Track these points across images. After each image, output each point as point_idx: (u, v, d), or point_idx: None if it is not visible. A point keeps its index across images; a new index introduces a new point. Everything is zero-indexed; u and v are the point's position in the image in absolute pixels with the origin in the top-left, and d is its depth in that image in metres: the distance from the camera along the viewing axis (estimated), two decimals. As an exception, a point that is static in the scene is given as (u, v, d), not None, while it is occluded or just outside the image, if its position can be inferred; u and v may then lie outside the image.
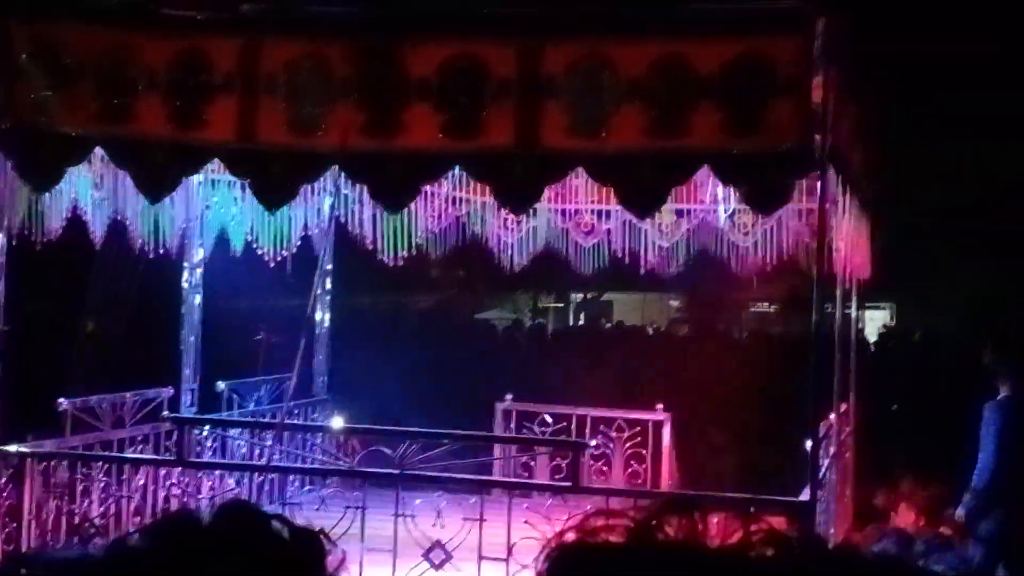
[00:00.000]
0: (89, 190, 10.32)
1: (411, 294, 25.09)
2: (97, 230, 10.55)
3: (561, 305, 32.33)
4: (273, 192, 9.43)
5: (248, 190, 10.05)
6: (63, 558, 1.44)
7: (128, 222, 10.69)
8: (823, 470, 9.97)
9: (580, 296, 31.77)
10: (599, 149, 8.91)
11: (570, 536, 0.97)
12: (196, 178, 11.01)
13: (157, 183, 9.49)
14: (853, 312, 13.44)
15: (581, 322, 30.53)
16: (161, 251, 11.20)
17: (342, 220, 12.00)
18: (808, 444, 9.08)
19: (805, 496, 8.86)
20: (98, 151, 9.69)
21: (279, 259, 11.78)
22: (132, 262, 12.10)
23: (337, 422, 11.21)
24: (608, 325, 26.03)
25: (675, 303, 29.30)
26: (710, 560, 0.97)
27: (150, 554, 1.36)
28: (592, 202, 13.08)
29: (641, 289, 26.68)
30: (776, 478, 10.43)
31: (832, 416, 11.65)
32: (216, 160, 9.73)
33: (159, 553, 1.36)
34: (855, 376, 13.16)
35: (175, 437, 10.34)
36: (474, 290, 26.87)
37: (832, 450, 11.34)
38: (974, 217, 23.11)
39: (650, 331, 24.31)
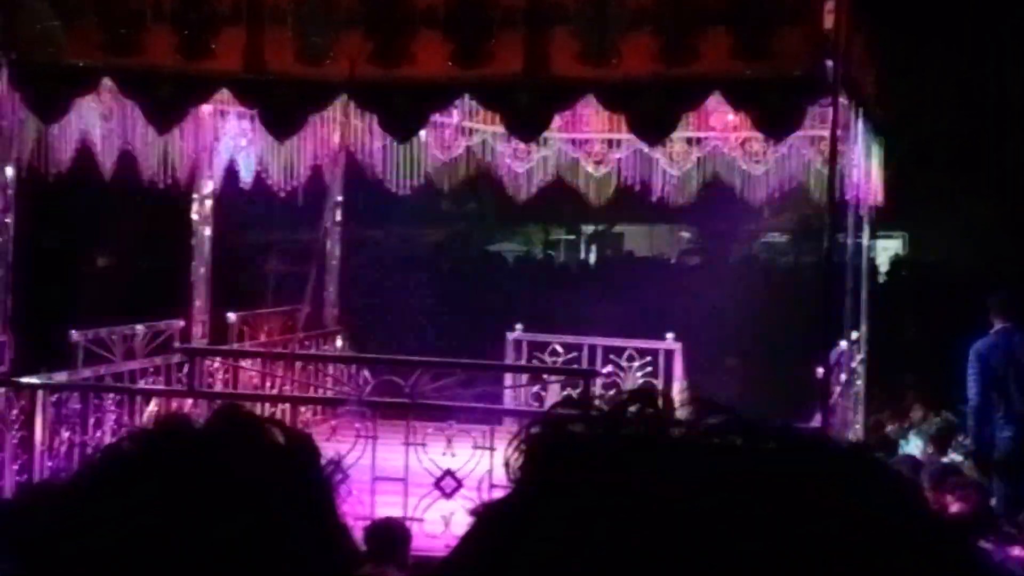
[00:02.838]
0: (97, 121, 10.28)
1: (422, 226, 25.06)
2: (106, 162, 10.52)
3: (572, 237, 32.30)
4: (281, 122, 9.40)
5: (256, 120, 10.03)
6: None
7: (137, 154, 10.66)
8: (834, 396, 9.99)
9: (591, 228, 31.72)
10: (608, 76, 8.87)
11: (536, 429, 0.93)
12: (205, 108, 10.96)
13: (165, 114, 9.47)
14: (865, 240, 13.40)
15: (592, 254, 30.51)
16: (170, 183, 11.16)
17: (351, 150, 11.96)
18: (819, 371, 9.09)
19: (816, 422, 8.88)
20: (106, 82, 9.65)
21: (289, 190, 11.74)
22: (142, 194, 12.07)
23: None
24: (618, 256, 26.05)
25: (686, 234, 29.28)
26: (677, 446, 0.95)
27: (143, 459, 1.36)
28: (603, 131, 13.01)
29: (652, 220, 26.65)
30: (788, 405, 10.44)
31: (843, 343, 11.64)
32: (224, 90, 9.69)
33: (152, 458, 1.35)
34: (866, 304, 13.14)
35: (186, 368, 10.38)
36: (484, 222, 26.84)
37: (843, 377, 11.35)
38: (988, 145, 22.99)
39: (661, 261, 24.30)
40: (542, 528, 0.95)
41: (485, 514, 1.03)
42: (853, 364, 12.40)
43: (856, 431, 12.62)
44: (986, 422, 11.20)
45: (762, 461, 0.95)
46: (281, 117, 9.32)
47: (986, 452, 11.18)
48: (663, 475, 0.94)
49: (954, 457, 12.05)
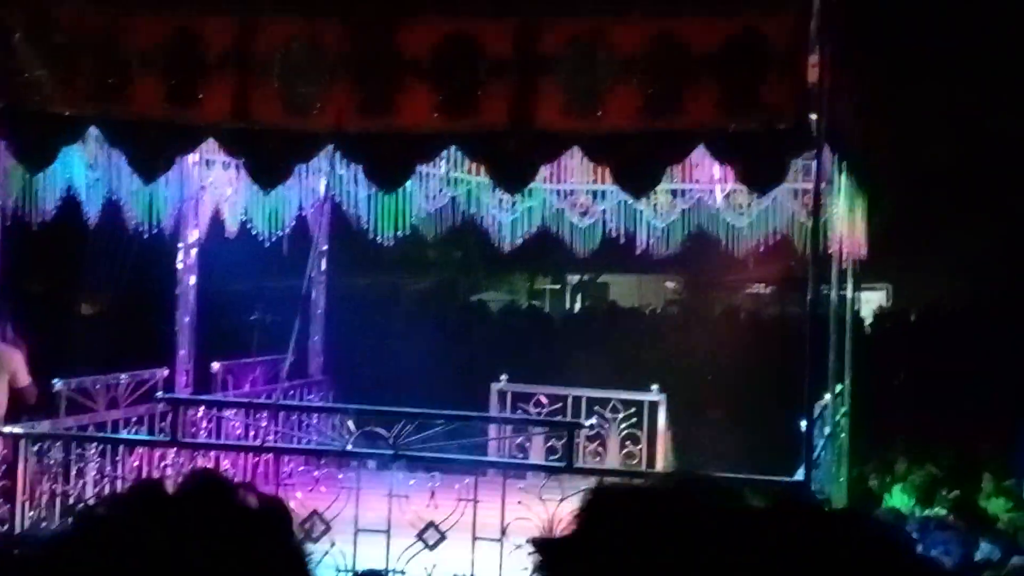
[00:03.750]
0: (83, 170, 10.29)
1: (407, 275, 25.06)
2: (91, 210, 10.51)
3: (557, 287, 32.31)
4: (267, 172, 9.41)
5: (242, 170, 10.03)
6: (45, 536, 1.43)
7: (122, 202, 10.66)
8: (818, 450, 9.97)
9: (576, 278, 31.74)
10: (594, 128, 8.89)
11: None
12: (191, 158, 10.98)
13: (151, 163, 9.47)
14: (849, 293, 13.42)
15: (577, 304, 30.52)
16: (155, 231, 11.16)
17: (337, 200, 11.97)
18: (803, 424, 9.08)
19: (799, 476, 8.86)
20: (92, 131, 9.66)
21: (274, 239, 11.75)
22: (127, 242, 12.06)
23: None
24: (603, 306, 26.05)
25: (671, 284, 29.32)
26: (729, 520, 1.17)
27: (116, 524, 1.35)
28: (588, 182, 13.05)
29: (637, 270, 26.66)
30: (771, 459, 10.43)
31: (827, 397, 11.64)
32: (210, 140, 9.70)
33: (125, 523, 1.35)
34: (851, 357, 13.15)
35: (170, 418, 10.34)
36: (470, 271, 26.86)
37: (827, 430, 11.34)
38: (973, 195, 23.08)
39: (646, 312, 24.31)
40: (588, 555, 1.21)
41: (543, 544, 1.28)
42: (837, 417, 12.39)
43: (840, 484, 12.61)
44: None
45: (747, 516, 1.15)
46: (267, 167, 9.33)
47: None
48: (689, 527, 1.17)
49: (938, 511, 12.03)
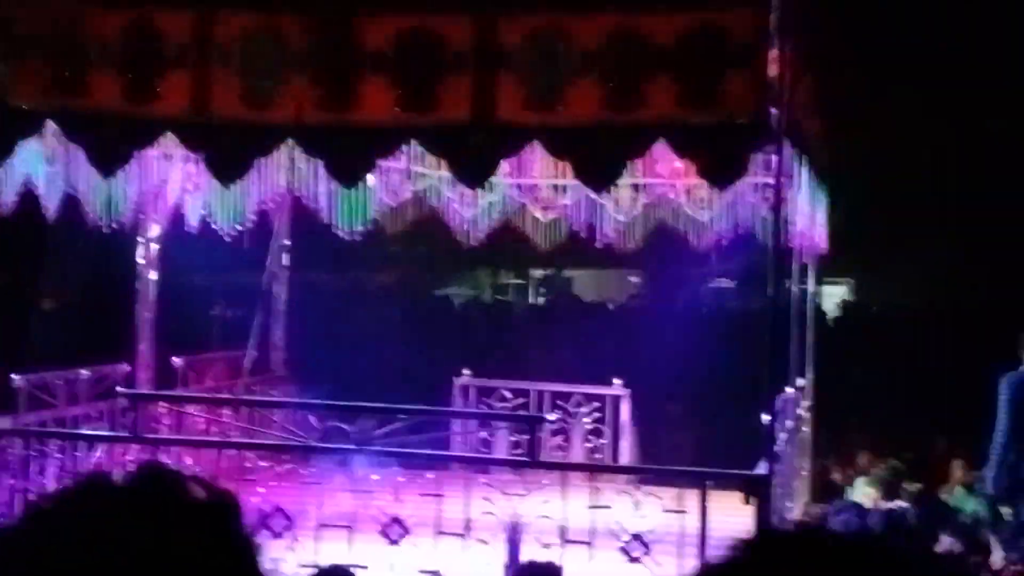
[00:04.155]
0: (41, 164, 10.20)
1: (370, 270, 24.98)
2: (50, 205, 10.44)
3: (521, 282, 32.27)
4: (227, 166, 9.38)
5: (202, 164, 9.98)
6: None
7: (81, 196, 10.58)
8: (780, 444, 10.00)
9: (540, 273, 31.74)
10: (555, 122, 8.91)
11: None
12: (150, 152, 10.90)
13: (110, 157, 9.43)
14: (810, 287, 13.47)
15: (540, 299, 30.52)
16: (115, 226, 11.09)
17: (297, 194, 11.93)
18: (765, 418, 9.11)
19: (761, 470, 8.89)
20: (50, 125, 9.59)
21: (235, 234, 11.69)
22: (86, 237, 11.99)
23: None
24: (566, 301, 26.05)
25: (634, 279, 29.34)
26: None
27: (62, 517, 1.34)
28: (550, 177, 13.04)
29: (600, 265, 26.68)
30: (733, 452, 10.46)
31: (789, 390, 11.68)
32: (169, 134, 9.65)
33: (71, 515, 1.33)
34: (813, 351, 13.20)
35: (131, 413, 10.28)
36: (433, 266, 26.82)
37: (789, 424, 11.37)
38: (934, 191, 23.19)
39: (610, 307, 24.33)
40: None
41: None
42: (799, 411, 12.44)
43: (802, 478, 12.66)
44: (1008, 453, 11.31)
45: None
46: (227, 161, 9.30)
47: (1001, 484, 11.29)
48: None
49: (901, 504, 12.08)
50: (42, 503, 1.38)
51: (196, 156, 10.23)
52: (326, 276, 20.83)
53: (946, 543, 9.99)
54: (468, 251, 14.72)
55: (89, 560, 1.29)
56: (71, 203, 10.64)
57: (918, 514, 11.06)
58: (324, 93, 8.94)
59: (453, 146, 9.16)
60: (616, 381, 13.07)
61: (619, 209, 12.94)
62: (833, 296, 24.76)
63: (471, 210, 13.28)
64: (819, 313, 16.74)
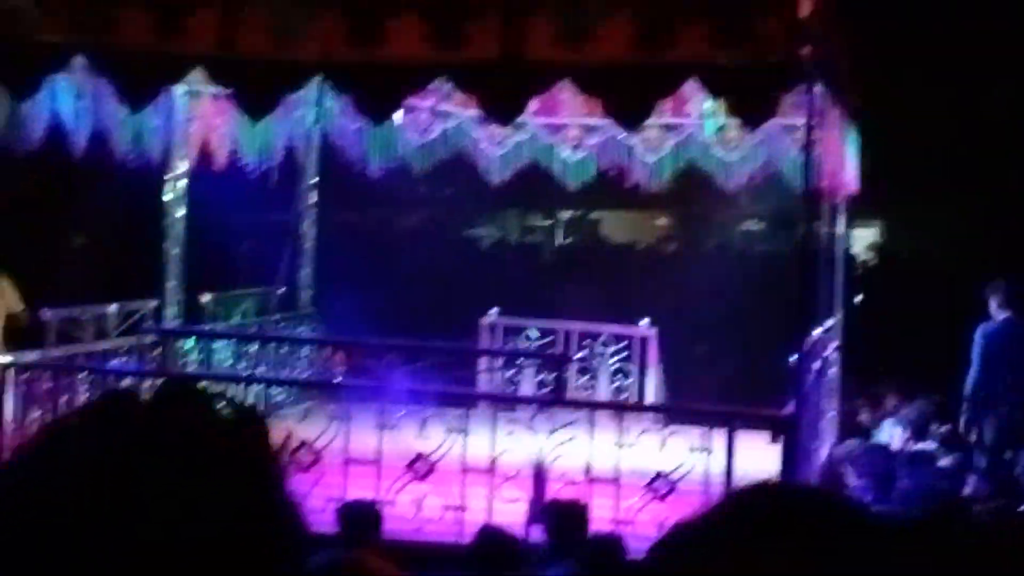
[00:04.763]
0: (70, 100, 10.20)
1: (399, 210, 24.95)
2: (79, 141, 10.44)
3: (548, 223, 32.22)
4: (255, 102, 9.35)
5: (230, 100, 9.97)
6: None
7: (110, 132, 10.58)
8: (807, 385, 9.99)
9: (567, 214, 31.67)
10: (585, 61, 8.85)
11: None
12: (178, 88, 10.89)
13: (138, 92, 9.41)
14: (840, 229, 13.40)
15: (568, 240, 30.48)
16: (143, 162, 11.09)
17: (325, 132, 11.90)
18: (792, 359, 9.09)
19: (788, 410, 8.88)
20: (79, 60, 9.58)
21: (263, 172, 11.68)
22: (114, 174, 11.99)
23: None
24: (594, 242, 26.01)
25: (663, 221, 29.24)
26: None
27: (87, 433, 1.32)
28: (579, 116, 12.96)
29: (628, 207, 26.58)
30: (761, 393, 10.45)
31: (817, 332, 11.65)
32: (197, 70, 9.63)
33: (96, 432, 1.32)
34: (842, 293, 13.15)
35: (159, 348, 10.33)
36: (460, 207, 26.78)
37: (817, 365, 11.35)
38: (966, 134, 23.00)
39: (638, 248, 24.29)
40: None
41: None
42: (827, 352, 12.41)
43: (829, 418, 12.64)
44: (980, 400, 11.59)
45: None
46: (254, 97, 9.27)
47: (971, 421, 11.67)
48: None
49: (929, 444, 12.05)
50: (67, 421, 1.37)
51: (224, 92, 10.21)
52: (354, 215, 20.80)
53: (972, 484, 9.98)
54: (496, 192, 14.68)
55: (110, 475, 1.28)
56: (100, 139, 10.64)
57: (946, 456, 11.04)
58: (353, 29, 8.90)
59: (482, 83, 9.12)
60: (643, 321, 13.06)
61: (648, 149, 12.86)
62: (863, 239, 24.64)
63: (499, 149, 13.24)
64: (848, 255, 16.66)
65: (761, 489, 1.24)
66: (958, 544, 1.26)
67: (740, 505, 1.22)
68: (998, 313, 11.84)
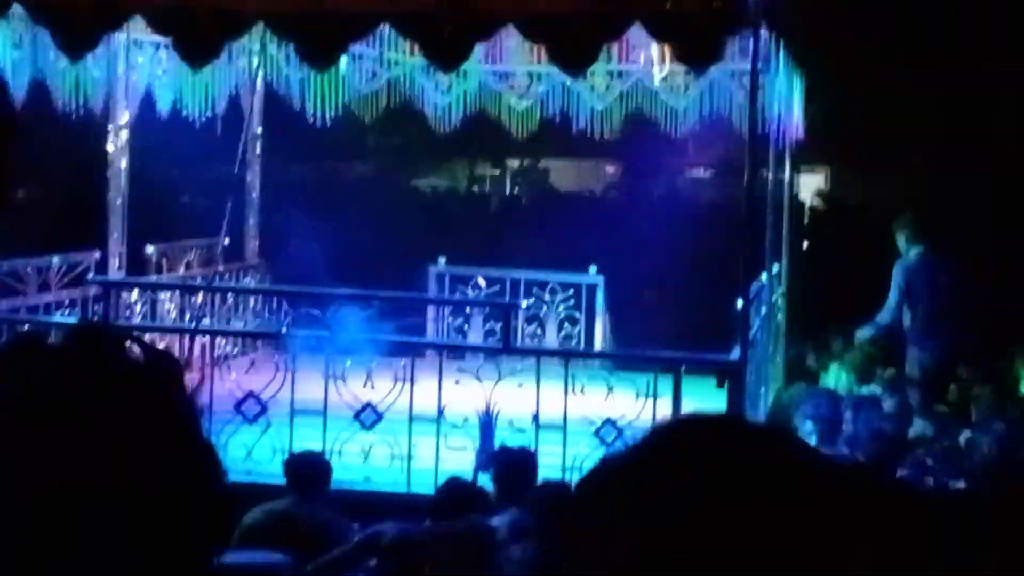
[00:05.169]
0: (7, 49, 10.04)
1: (346, 161, 24.85)
2: (17, 91, 10.27)
3: (497, 172, 32.19)
4: (196, 50, 9.23)
5: (172, 49, 9.84)
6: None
7: (49, 82, 10.43)
8: (753, 330, 10.02)
9: (516, 163, 31.64)
10: (530, 7, 8.79)
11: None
12: (119, 37, 10.74)
13: (78, 41, 9.27)
14: (787, 175, 13.43)
15: (517, 189, 30.45)
16: (84, 113, 10.95)
17: (268, 79, 11.78)
18: (739, 304, 9.11)
19: (735, 355, 8.91)
20: (17, 8, 9.43)
21: (206, 121, 11.56)
22: (55, 125, 11.83)
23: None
24: (543, 191, 26.03)
25: (611, 169, 29.26)
26: None
27: None
28: (525, 63, 12.89)
29: (577, 155, 26.61)
30: (708, 339, 10.47)
31: (763, 277, 11.69)
32: (138, 18, 9.51)
33: (1, 377, 1.29)
34: (787, 239, 13.19)
35: (103, 301, 10.24)
36: (409, 157, 26.68)
37: (764, 311, 11.40)
38: (912, 80, 23.06)
39: (586, 196, 24.32)
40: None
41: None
42: (774, 298, 12.46)
43: (776, 363, 12.71)
44: (889, 325, 11.81)
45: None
46: (196, 46, 9.15)
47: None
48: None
49: (874, 389, 12.13)
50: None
51: (165, 40, 10.09)
52: (301, 166, 20.72)
53: (919, 427, 10.04)
54: (444, 141, 14.61)
55: (15, 421, 1.25)
56: (40, 90, 10.49)
57: (891, 399, 11.11)
58: (295, -25, 8.80)
59: (426, 30, 9.04)
60: (591, 269, 13.07)
61: (594, 96, 12.82)
62: (810, 186, 24.72)
63: (445, 98, 13.15)
64: (796, 202, 16.70)
65: (681, 421, 1.22)
66: (896, 490, 1.25)
67: (664, 435, 1.20)
68: (908, 248, 11.79)
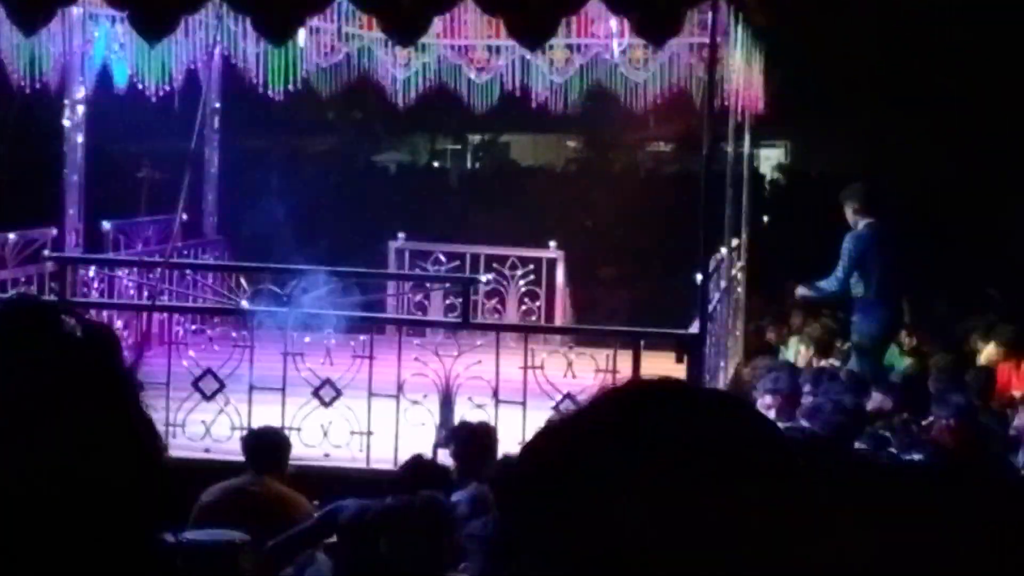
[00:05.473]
0: (-39, 23, 9.93)
1: (306, 136, 24.77)
2: (-29, 66, 10.18)
3: (458, 147, 32.16)
4: (152, 23, 9.13)
5: (128, 23, 9.75)
6: None
7: (3, 56, 10.32)
8: (713, 304, 10.03)
9: (477, 138, 31.61)
10: (487, -21, 8.74)
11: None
12: (75, 11, 10.62)
13: (31, 14, 9.14)
14: (746, 149, 13.44)
15: (477, 163, 30.43)
16: (40, 87, 10.84)
17: (226, 53, 11.69)
18: (698, 278, 9.11)
19: (694, 329, 8.91)
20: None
21: (164, 96, 11.47)
22: (10, 99, 11.71)
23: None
24: (503, 165, 26.00)
25: (571, 143, 29.26)
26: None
27: None
28: (484, 37, 12.84)
29: (537, 130, 26.60)
30: (667, 313, 10.47)
31: (723, 251, 11.71)
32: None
33: None
34: (747, 212, 13.21)
35: (59, 278, 10.16)
36: (369, 132, 26.61)
37: (723, 285, 11.41)
38: (871, 53, 23.12)
39: (546, 171, 24.30)
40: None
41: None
42: (733, 271, 12.48)
43: (736, 337, 12.73)
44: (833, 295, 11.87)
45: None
46: (152, 19, 9.05)
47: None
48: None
49: (833, 362, 12.18)
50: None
51: (121, 14, 9.99)
52: (261, 141, 20.62)
53: (877, 400, 10.08)
54: (405, 116, 14.55)
55: None
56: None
57: (849, 371, 11.16)
58: (251, -53, 8.72)
59: (383, 3, 8.98)
60: (551, 244, 13.05)
61: (554, 70, 12.78)
62: (770, 159, 24.79)
63: (404, 72, 13.09)
64: (755, 175, 16.73)
65: (626, 386, 1.21)
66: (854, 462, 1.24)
67: (608, 401, 1.18)
68: (858, 218, 11.66)
